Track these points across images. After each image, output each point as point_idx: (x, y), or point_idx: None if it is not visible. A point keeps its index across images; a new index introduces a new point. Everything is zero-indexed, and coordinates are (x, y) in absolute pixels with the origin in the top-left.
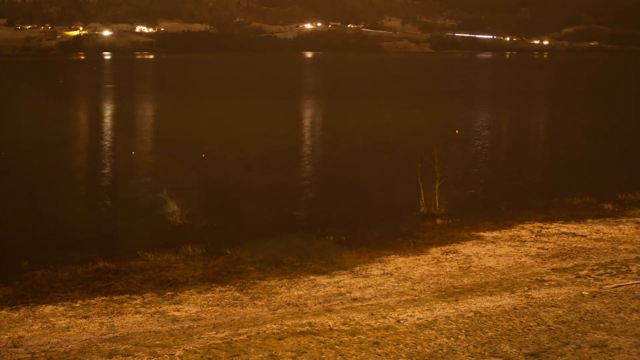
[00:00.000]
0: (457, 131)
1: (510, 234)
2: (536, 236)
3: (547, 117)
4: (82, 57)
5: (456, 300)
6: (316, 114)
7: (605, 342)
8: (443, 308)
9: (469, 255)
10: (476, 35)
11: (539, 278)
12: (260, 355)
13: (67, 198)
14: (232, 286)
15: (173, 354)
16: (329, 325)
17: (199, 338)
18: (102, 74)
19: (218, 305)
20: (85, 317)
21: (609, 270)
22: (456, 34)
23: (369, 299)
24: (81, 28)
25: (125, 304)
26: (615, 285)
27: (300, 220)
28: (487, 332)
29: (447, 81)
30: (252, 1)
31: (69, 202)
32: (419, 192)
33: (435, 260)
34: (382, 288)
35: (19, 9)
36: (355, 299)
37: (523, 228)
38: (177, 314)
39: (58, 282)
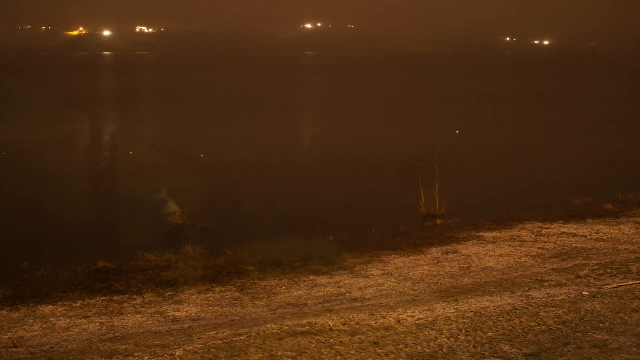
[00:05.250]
0: (457, 131)
1: (510, 234)
2: (536, 236)
3: (548, 117)
4: (82, 57)
5: (456, 300)
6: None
7: (605, 342)
8: (443, 308)
9: (469, 255)
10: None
11: (539, 278)
12: (260, 355)
13: (67, 198)
14: (232, 286)
15: (173, 354)
16: (329, 325)
17: (199, 338)
18: (102, 73)
19: (218, 305)
20: (85, 317)
21: (609, 270)
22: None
23: (369, 299)
24: (81, 28)
25: (125, 304)
26: (615, 285)
27: (300, 220)
28: (487, 332)
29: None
30: (252, 1)
31: (69, 202)
32: (419, 192)
33: (435, 260)
34: (382, 288)
35: (19, 9)
36: (355, 299)
37: (523, 228)
38: (177, 314)
39: (58, 282)
